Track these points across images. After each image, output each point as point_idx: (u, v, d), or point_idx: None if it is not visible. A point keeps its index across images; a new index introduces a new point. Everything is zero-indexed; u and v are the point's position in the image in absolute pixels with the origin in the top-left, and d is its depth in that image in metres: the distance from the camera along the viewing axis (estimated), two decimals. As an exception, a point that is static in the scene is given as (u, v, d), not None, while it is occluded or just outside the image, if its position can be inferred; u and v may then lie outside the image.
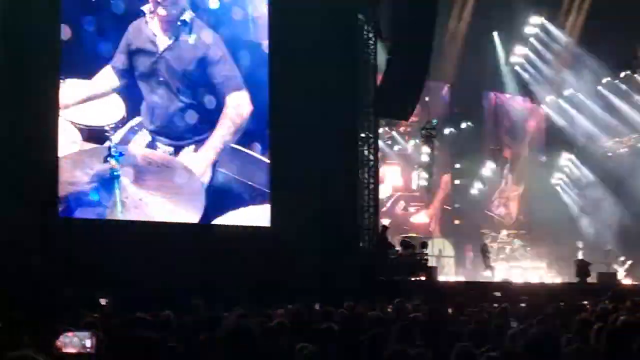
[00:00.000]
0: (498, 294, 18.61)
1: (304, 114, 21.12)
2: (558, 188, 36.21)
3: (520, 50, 33.22)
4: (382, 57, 23.81)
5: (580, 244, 30.71)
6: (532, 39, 32.86)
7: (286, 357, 8.00)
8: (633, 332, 8.02)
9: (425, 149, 29.86)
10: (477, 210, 34.32)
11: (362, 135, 23.71)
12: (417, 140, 30.84)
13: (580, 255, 27.54)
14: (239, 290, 15.94)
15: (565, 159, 35.95)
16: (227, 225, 20.83)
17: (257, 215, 21.56)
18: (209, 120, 21.02)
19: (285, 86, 21.56)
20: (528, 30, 32.63)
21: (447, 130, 33.82)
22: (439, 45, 24.55)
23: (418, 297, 15.34)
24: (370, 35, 23.80)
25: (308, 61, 21.38)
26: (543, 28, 32.41)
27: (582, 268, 24.93)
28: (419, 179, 30.89)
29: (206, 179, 20.77)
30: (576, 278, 24.68)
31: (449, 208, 34.64)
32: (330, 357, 6.56)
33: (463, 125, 34.22)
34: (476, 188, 34.69)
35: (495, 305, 14.05)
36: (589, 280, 24.84)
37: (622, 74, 31.49)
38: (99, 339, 7.41)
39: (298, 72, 21.27)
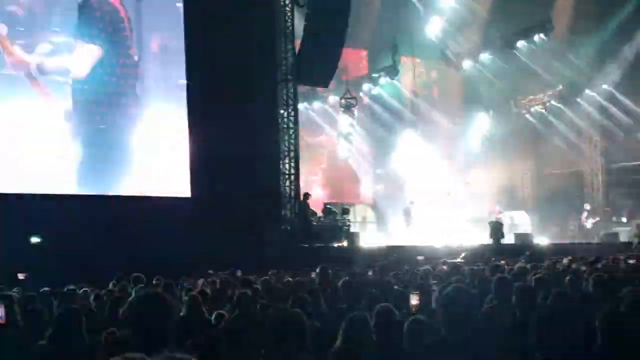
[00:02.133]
0: (421, 257, 18.82)
1: (222, 82, 20.93)
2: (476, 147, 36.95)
3: (437, 19, 33.29)
4: (299, 24, 23.74)
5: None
6: (447, 12, 33.03)
7: (206, 325, 8.01)
8: (544, 288, 8.27)
9: (346, 119, 30.05)
10: (400, 176, 34.71)
11: (282, 102, 23.61)
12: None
13: (494, 217, 28.08)
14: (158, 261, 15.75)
15: (482, 119, 36.62)
16: (150, 197, 20.61)
17: (178, 186, 21.37)
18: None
19: (202, 53, 21.28)
20: (443, 3, 32.71)
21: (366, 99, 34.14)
22: (355, 11, 24.42)
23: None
24: (287, 2, 23.62)
25: (224, 28, 21.11)
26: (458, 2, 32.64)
27: (496, 229, 25.37)
28: (341, 148, 31.18)
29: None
30: (490, 239, 25.14)
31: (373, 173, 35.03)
32: (249, 324, 6.55)
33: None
34: (397, 154, 35.06)
35: (419, 269, 14.23)
36: (503, 241, 25.39)
37: (536, 37, 32.04)
38: (10, 310, 7.42)
39: (214, 39, 21.01)
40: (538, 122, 34.73)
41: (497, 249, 23.46)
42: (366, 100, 34.50)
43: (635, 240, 27.01)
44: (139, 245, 17.75)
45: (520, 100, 35.06)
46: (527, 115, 35.18)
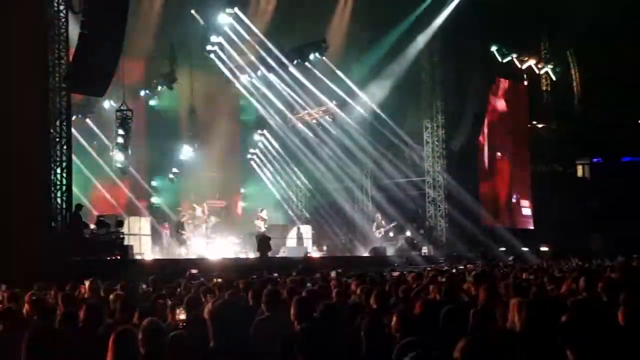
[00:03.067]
0: (195, 270, 18.73)
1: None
2: (253, 163, 37.46)
3: (214, 38, 33.34)
4: (75, 32, 22.98)
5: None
6: (226, 28, 33.14)
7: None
8: (318, 299, 8.50)
9: (120, 131, 29.45)
10: (175, 190, 34.54)
11: (55, 111, 22.72)
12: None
13: (261, 230, 28.38)
14: None
15: (259, 135, 37.14)
16: None
17: None
18: None
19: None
20: (222, 19, 32.84)
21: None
22: (134, 20, 23.98)
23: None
24: (61, 7, 22.78)
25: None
26: (236, 17, 32.84)
27: (263, 242, 25.68)
28: (114, 161, 30.49)
29: None
30: (257, 252, 25.40)
31: (147, 186, 34.55)
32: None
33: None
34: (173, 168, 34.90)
35: (194, 281, 14.19)
36: (270, 254, 25.77)
37: (311, 56, 33.00)
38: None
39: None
40: (314, 134, 35.71)
41: (274, 262, 23.85)
42: (143, 106, 34.06)
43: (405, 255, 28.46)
44: None
45: (297, 113, 35.88)
46: (304, 128, 36.07)
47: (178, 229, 29.49)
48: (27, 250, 19.50)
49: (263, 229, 28.44)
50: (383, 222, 32.74)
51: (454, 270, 19.01)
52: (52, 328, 5.30)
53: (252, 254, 27.76)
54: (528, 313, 6.42)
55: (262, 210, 29.55)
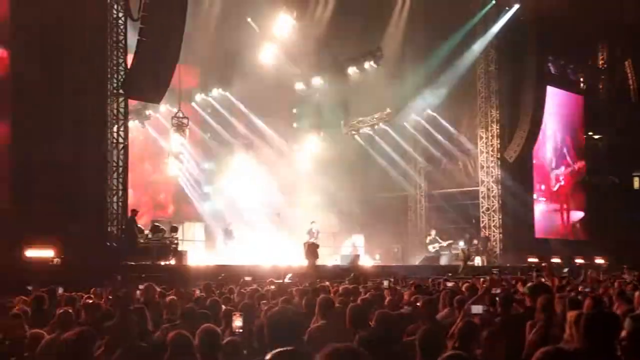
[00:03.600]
0: (249, 278, 18.79)
1: (50, 95, 20.25)
2: (307, 170, 37.43)
3: (269, 46, 33.51)
4: (133, 39, 23.30)
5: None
6: (281, 37, 33.24)
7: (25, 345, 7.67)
8: (371, 308, 8.47)
9: (177, 138, 29.75)
10: (229, 195, 34.73)
11: (113, 117, 23.06)
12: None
13: (310, 239, 28.22)
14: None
15: (313, 141, 37.19)
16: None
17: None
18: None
19: (31, 67, 20.49)
20: (277, 29, 32.97)
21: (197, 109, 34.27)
22: (190, 27, 24.14)
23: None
24: (120, 15, 23.16)
25: (54, 40, 20.47)
26: (291, 26, 32.93)
27: (310, 251, 25.39)
28: (169, 166, 30.88)
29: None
30: (305, 260, 25.15)
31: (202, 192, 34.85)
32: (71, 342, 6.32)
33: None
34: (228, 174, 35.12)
35: (249, 288, 14.24)
36: (318, 262, 25.56)
37: (366, 65, 33.05)
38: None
39: (44, 50, 20.34)
40: (366, 143, 35.71)
41: (325, 271, 23.82)
42: (198, 110, 34.38)
43: (461, 265, 28.17)
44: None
45: (350, 121, 35.89)
46: (356, 137, 36.07)
47: (225, 236, 29.68)
48: (83, 253, 19.81)
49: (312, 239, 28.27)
50: (437, 238, 32.57)
51: (507, 282, 18.79)
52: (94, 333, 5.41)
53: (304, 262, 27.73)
54: (587, 327, 6.31)
55: (312, 223, 29.25)
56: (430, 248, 32.35)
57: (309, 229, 28.30)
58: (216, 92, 34.35)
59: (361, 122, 35.80)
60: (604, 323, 6.23)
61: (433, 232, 33.09)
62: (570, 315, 6.80)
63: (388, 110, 34.44)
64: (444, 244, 32.06)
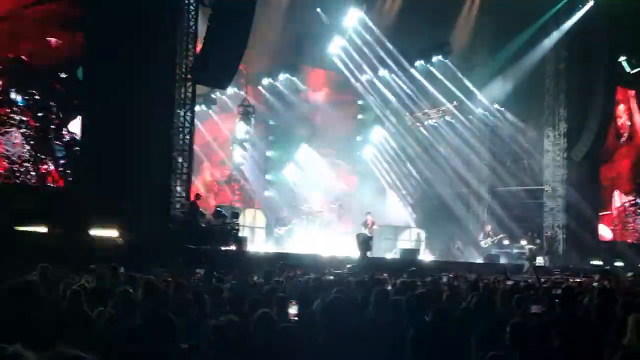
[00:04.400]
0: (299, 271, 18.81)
1: (120, 76, 20.55)
2: (369, 162, 37.38)
3: (338, 39, 33.59)
4: (203, 24, 23.52)
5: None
6: (350, 29, 33.27)
7: (87, 320, 7.79)
8: (429, 303, 8.41)
9: (242, 126, 29.93)
10: (291, 183, 34.91)
11: (180, 101, 23.33)
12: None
13: (356, 229, 28.06)
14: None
15: (378, 131, 37.05)
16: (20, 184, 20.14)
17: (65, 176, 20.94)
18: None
19: (103, 50, 20.84)
20: (346, 21, 32.98)
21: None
22: (260, 15, 24.22)
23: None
24: (192, 1, 23.40)
25: (127, 25, 20.76)
26: (360, 19, 33.00)
27: (363, 242, 25.10)
28: (233, 155, 31.13)
29: None
30: (358, 251, 24.92)
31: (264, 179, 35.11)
32: (132, 322, 6.43)
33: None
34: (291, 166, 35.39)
35: (307, 277, 14.28)
36: (370, 254, 25.33)
37: (434, 59, 32.89)
38: None
39: (116, 34, 20.63)
40: (431, 136, 35.51)
41: (382, 263, 23.73)
42: (263, 99, 34.60)
43: (527, 264, 27.82)
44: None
45: (415, 113, 35.71)
46: (421, 129, 35.88)
47: (277, 223, 29.88)
48: (147, 236, 20.10)
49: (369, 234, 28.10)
50: (491, 232, 32.24)
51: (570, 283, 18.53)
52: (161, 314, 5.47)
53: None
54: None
55: (367, 214, 29.07)
56: (482, 243, 32.06)
57: (364, 220, 28.25)
58: (283, 76, 34.46)
59: (426, 115, 35.60)
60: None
61: (489, 227, 32.77)
62: (631, 318, 6.68)
63: (455, 102, 34.18)
64: (495, 239, 31.74)
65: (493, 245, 31.56)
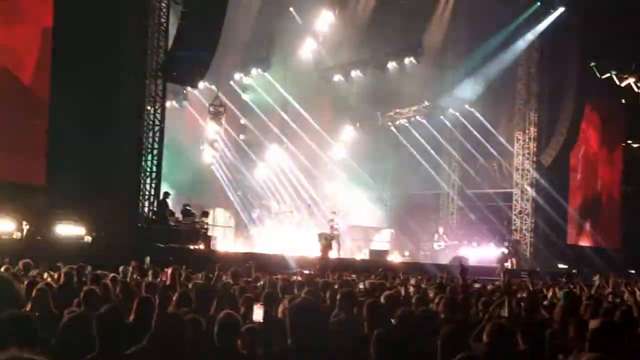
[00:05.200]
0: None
1: (89, 74, 20.34)
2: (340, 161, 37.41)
3: (311, 41, 33.72)
4: (174, 22, 23.42)
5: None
6: (322, 30, 33.34)
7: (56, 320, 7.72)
8: (394, 305, 8.40)
9: (213, 126, 29.88)
10: (261, 183, 34.86)
11: (150, 98, 23.18)
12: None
13: (324, 229, 27.89)
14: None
15: (348, 131, 37.09)
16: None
17: (31, 172, 20.69)
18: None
19: (71, 46, 20.61)
20: (319, 23, 33.08)
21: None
22: (231, 14, 24.11)
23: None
24: (163, -2, 23.29)
25: (96, 20, 20.56)
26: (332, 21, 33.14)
27: (324, 242, 24.80)
28: (203, 154, 31.12)
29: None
30: (319, 252, 24.46)
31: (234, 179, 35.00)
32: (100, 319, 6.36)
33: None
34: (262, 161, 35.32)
35: (275, 277, 14.26)
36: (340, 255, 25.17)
37: (406, 60, 32.99)
38: None
39: (85, 30, 20.40)
40: (402, 135, 35.66)
41: (352, 264, 23.73)
42: (236, 91, 34.57)
43: (499, 266, 28.00)
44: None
45: (387, 112, 35.85)
46: (392, 128, 36.07)
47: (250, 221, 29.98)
48: (114, 233, 19.97)
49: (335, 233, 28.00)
50: (444, 236, 32.57)
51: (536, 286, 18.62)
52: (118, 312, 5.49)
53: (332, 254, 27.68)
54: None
55: (332, 214, 29.03)
56: (436, 246, 32.30)
57: (329, 219, 28.33)
58: (255, 72, 34.36)
59: (398, 114, 35.78)
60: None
61: (441, 230, 33.06)
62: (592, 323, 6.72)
63: (426, 102, 34.36)
64: (450, 243, 32.05)
65: (446, 247, 31.92)
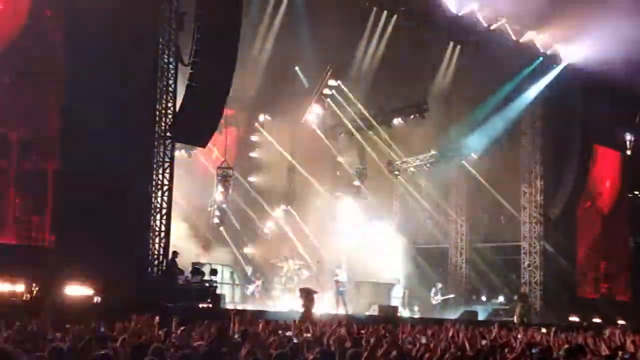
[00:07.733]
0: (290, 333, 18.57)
1: (99, 136, 20.50)
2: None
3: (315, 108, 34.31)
4: (182, 83, 23.66)
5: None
6: (328, 100, 33.95)
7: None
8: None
9: (220, 189, 30.13)
10: (268, 242, 34.98)
11: (159, 159, 23.32)
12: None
13: (307, 284, 27.93)
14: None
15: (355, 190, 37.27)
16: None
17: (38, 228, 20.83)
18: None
19: (81, 107, 20.81)
20: (325, 90, 33.64)
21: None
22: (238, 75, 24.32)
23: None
24: (171, 59, 23.52)
25: (106, 83, 20.82)
26: (338, 89, 33.69)
27: (307, 296, 24.45)
28: (212, 217, 31.31)
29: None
30: (302, 307, 23.88)
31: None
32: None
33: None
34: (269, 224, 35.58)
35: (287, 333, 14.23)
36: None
37: (412, 117, 33.31)
38: None
39: (95, 93, 20.62)
40: (409, 185, 35.88)
41: (359, 320, 23.60)
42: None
43: (517, 320, 27.90)
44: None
45: (393, 162, 36.11)
46: (400, 178, 36.25)
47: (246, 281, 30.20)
48: (122, 294, 19.98)
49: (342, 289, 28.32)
50: (442, 290, 32.53)
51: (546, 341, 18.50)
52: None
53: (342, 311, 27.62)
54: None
55: (337, 268, 29.26)
56: (433, 300, 32.20)
57: (334, 274, 28.50)
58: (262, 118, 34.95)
59: (405, 163, 35.98)
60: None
61: (439, 285, 32.95)
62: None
63: (432, 152, 34.61)
64: (447, 297, 32.04)
65: (444, 302, 31.84)
